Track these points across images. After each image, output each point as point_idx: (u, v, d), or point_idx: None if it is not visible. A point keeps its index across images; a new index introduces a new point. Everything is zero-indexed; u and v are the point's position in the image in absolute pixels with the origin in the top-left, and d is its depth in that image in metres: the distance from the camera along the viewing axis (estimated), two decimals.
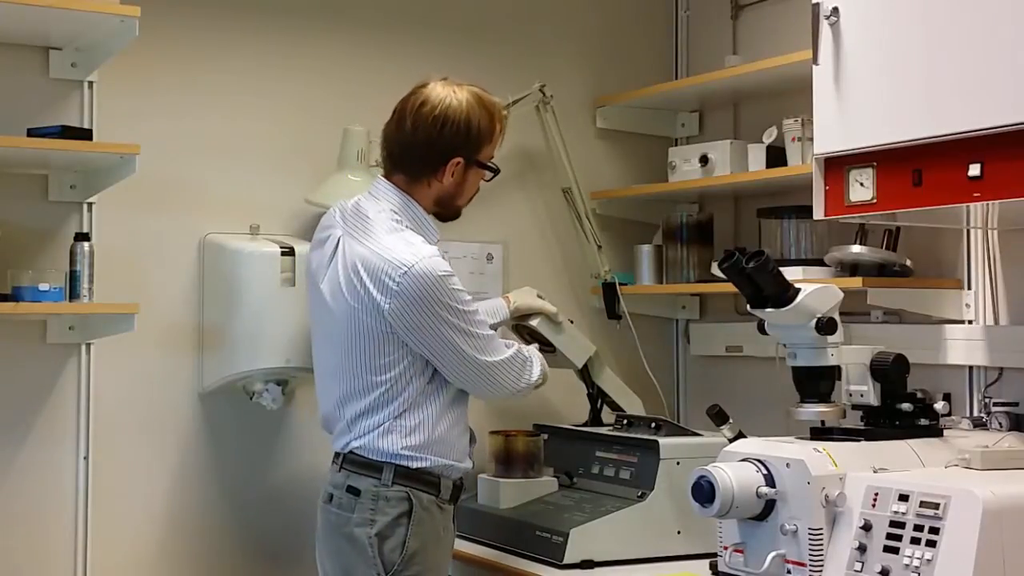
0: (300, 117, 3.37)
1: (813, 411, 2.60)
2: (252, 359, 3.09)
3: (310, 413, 3.15)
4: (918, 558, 2.19)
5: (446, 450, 2.70)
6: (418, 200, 2.73)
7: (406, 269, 2.58)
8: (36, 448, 3.04)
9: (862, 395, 2.63)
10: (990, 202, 2.41)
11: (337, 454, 2.73)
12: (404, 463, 2.63)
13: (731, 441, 2.66)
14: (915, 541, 2.21)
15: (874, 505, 2.30)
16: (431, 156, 2.70)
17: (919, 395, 2.64)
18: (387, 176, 2.77)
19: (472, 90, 2.73)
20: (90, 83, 3.09)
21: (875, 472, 2.37)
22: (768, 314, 2.58)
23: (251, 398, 3.20)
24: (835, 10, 2.59)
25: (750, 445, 2.55)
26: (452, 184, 2.73)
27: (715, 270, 3.25)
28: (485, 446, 3.29)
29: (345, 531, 2.64)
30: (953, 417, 2.85)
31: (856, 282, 2.97)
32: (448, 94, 2.69)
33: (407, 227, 2.68)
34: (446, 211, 2.80)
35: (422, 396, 2.67)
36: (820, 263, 3.17)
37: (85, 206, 3.08)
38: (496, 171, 2.80)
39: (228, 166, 3.28)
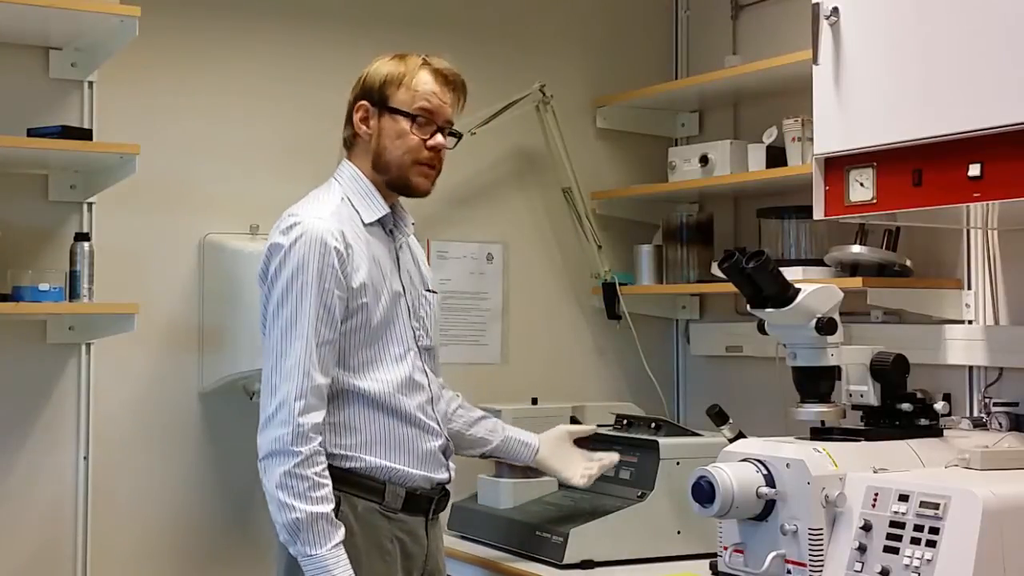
0: (300, 117, 3.37)
1: (813, 411, 2.60)
2: (252, 359, 3.08)
3: None
4: (918, 558, 2.18)
5: (390, 452, 2.42)
6: (360, 168, 2.53)
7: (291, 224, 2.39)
8: (36, 448, 3.05)
9: (862, 395, 2.63)
10: (990, 202, 2.41)
11: None
12: (336, 463, 2.35)
13: (731, 441, 2.65)
14: (915, 541, 2.20)
15: (874, 505, 2.30)
16: (347, 114, 2.58)
17: (919, 395, 2.64)
18: None
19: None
20: (90, 83, 3.10)
21: (875, 472, 2.37)
22: (768, 314, 2.58)
23: (251, 398, 3.20)
24: (835, 10, 2.59)
25: (750, 445, 2.54)
26: (372, 137, 2.51)
27: (715, 270, 3.25)
28: None
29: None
30: (953, 417, 2.84)
31: (856, 282, 2.97)
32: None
33: (348, 193, 2.52)
34: (387, 174, 2.52)
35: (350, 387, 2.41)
36: (820, 263, 3.17)
37: (85, 206, 3.08)
38: (411, 116, 2.49)
39: (228, 166, 3.29)
